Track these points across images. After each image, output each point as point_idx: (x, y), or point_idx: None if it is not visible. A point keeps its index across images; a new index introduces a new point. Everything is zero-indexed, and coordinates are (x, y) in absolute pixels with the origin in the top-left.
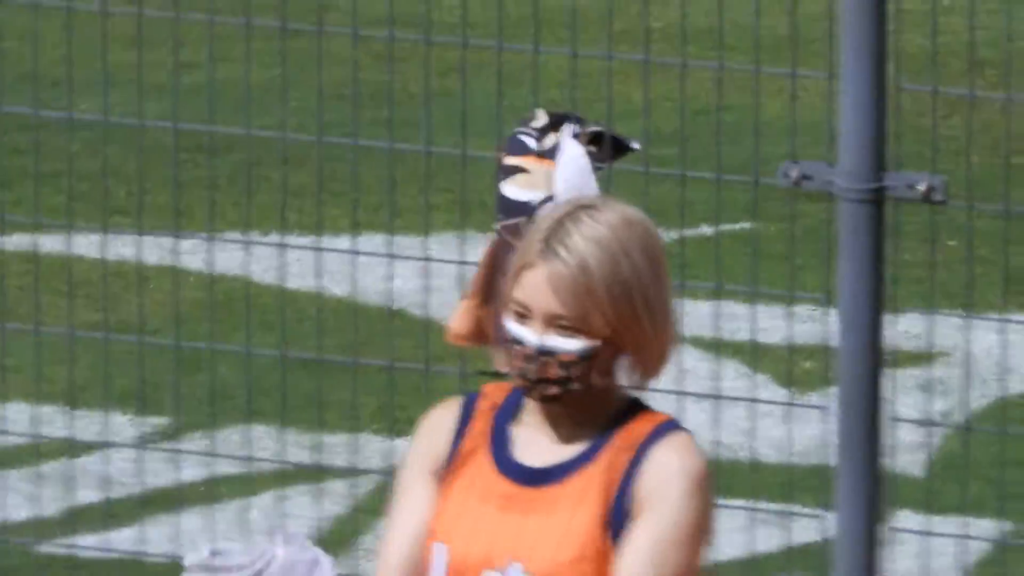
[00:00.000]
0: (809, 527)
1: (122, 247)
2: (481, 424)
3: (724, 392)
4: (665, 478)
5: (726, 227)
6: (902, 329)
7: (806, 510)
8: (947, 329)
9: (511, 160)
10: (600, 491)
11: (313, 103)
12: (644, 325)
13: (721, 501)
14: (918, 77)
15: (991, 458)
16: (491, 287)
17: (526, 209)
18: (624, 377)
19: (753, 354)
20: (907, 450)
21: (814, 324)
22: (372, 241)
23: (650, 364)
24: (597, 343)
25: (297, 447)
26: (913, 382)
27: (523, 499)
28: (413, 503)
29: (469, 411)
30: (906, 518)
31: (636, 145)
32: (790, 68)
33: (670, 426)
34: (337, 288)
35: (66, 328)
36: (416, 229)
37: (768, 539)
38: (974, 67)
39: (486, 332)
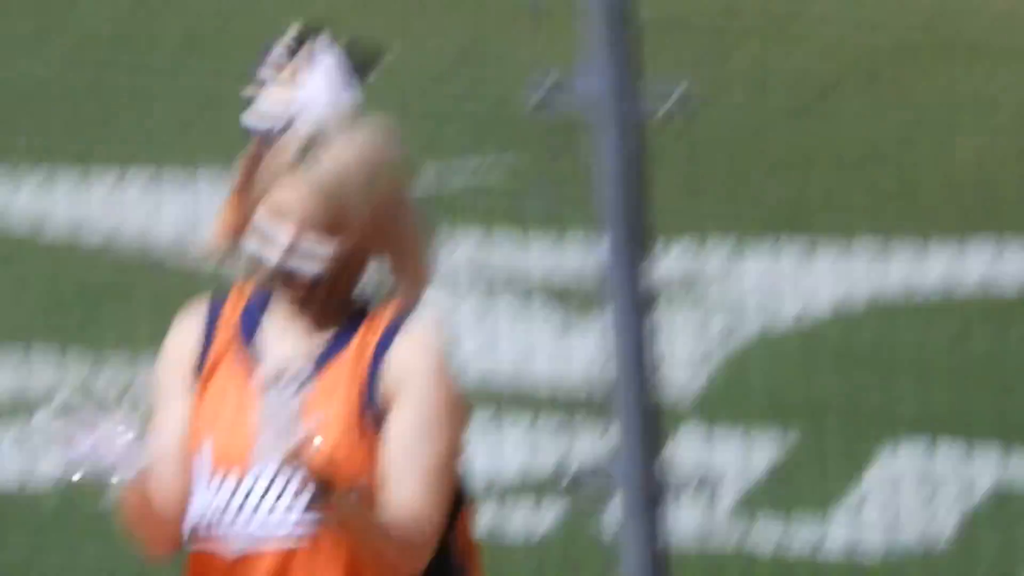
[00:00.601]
0: (589, 446)
1: None
2: (229, 322)
3: (499, 323)
4: (412, 362)
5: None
6: (677, 260)
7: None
8: (718, 258)
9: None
10: (352, 380)
11: None
12: (398, 230)
13: (503, 418)
14: None
15: (770, 377)
16: (252, 185)
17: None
18: (389, 284)
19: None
20: (688, 369)
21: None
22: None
23: (407, 271)
24: (348, 246)
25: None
26: (689, 309)
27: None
28: (171, 405)
29: (218, 307)
30: (688, 431)
31: (388, 53)
32: None
33: (412, 312)
34: None
35: None
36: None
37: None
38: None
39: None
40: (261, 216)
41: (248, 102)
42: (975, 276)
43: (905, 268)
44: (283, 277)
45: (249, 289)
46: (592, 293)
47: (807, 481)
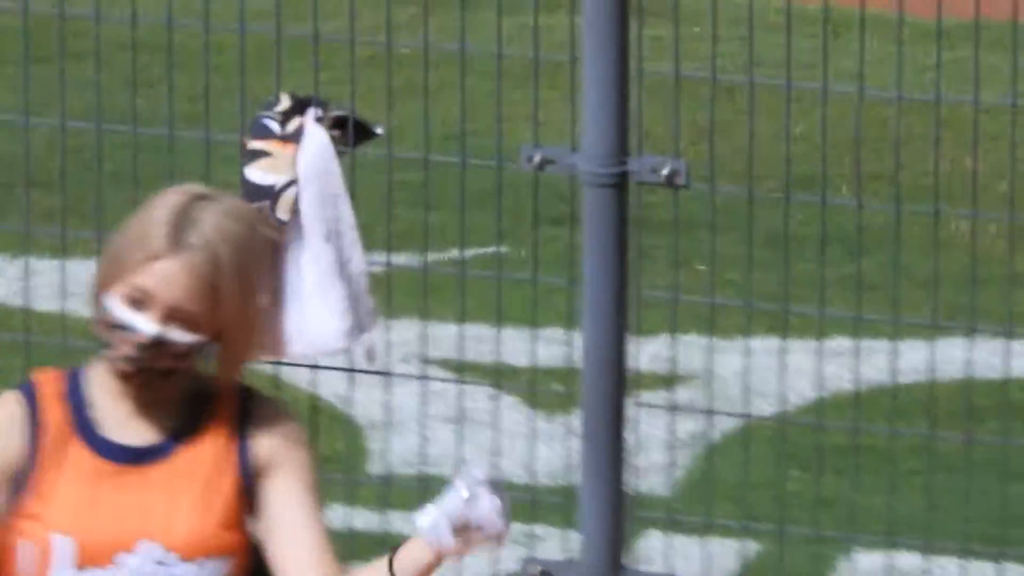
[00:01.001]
0: (554, 547)
1: None
2: (55, 412)
3: (470, 414)
4: (282, 434)
5: (475, 252)
6: (651, 351)
7: (551, 529)
8: (694, 352)
9: (254, 144)
10: (221, 460)
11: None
12: (253, 318)
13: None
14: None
15: (736, 479)
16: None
17: (269, 193)
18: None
19: (498, 376)
20: (654, 471)
21: (560, 347)
22: None
23: (246, 353)
24: (209, 335)
25: None
26: (660, 403)
27: (134, 478)
28: None
29: (33, 403)
30: (652, 537)
31: (379, 130)
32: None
33: (250, 388)
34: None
35: None
36: None
37: (514, 559)
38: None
39: None
40: (116, 300)
41: (246, 158)
42: (952, 370)
43: (882, 362)
44: (139, 367)
45: (54, 380)
46: (566, 390)
47: None
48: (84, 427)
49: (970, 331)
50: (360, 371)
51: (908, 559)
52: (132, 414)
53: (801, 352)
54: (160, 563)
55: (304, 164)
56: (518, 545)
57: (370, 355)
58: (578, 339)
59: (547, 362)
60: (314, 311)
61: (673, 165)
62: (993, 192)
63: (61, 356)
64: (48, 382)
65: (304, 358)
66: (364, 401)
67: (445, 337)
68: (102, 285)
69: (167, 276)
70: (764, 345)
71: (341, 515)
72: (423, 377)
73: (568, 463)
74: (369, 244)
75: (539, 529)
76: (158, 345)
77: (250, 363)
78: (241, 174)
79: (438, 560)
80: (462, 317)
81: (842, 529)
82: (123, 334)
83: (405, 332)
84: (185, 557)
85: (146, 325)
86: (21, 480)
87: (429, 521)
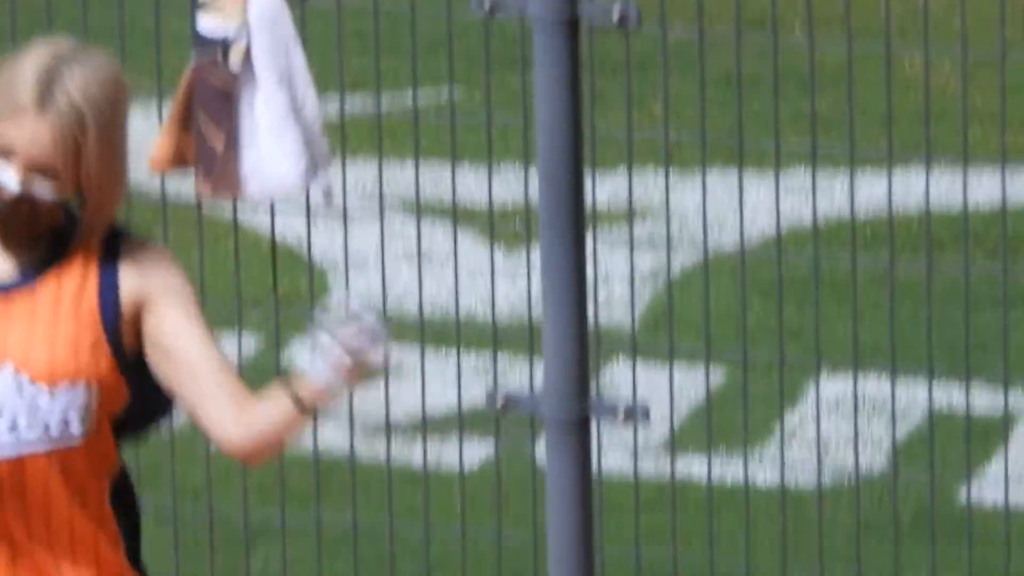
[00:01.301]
0: (520, 380)
1: None
2: None
3: (432, 253)
4: (154, 267)
5: (429, 96)
6: (609, 188)
7: (516, 363)
8: (652, 189)
9: None
10: (80, 289)
11: None
12: (116, 174)
13: (434, 354)
14: None
15: (699, 312)
16: (188, 116)
17: (221, 44)
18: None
19: (457, 214)
20: (618, 305)
21: (518, 184)
22: None
23: (110, 209)
24: (70, 189)
25: None
26: (622, 239)
27: None
28: None
29: None
30: (618, 369)
31: None
32: None
33: (119, 229)
34: None
35: None
36: None
37: (480, 393)
38: None
39: (186, 158)
40: None
41: (198, 9)
42: (912, 202)
43: (840, 195)
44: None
45: None
46: (526, 225)
47: (737, 414)
48: None
49: (926, 163)
50: (319, 214)
51: (874, 384)
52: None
53: (759, 187)
54: (17, 386)
55: (254, 13)
56: (481, 374)
57: (327, 196)
58: (535, 176)
59: (504, 199)
60: (270, 154)
61: (623, 8)
62: (946, 28)
63: None
64: None
65: (262, 200)
66: (324, 243)
67: (402, 178)
68: None
69: (32, 133)
70: (722, 180)
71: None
72: (382, 217)
73: (529, 299)
74: (323, 89)
75: (503, 363)
76: (21, 200)
77: (111, 218)
78: (192, 26)
79: (326, 397)
80: (416, 156)
81: (807, 358)
82: None
83: (362, 173)
84: (37, 380)
85: (10, 180)
86: None
87: (307, 362)
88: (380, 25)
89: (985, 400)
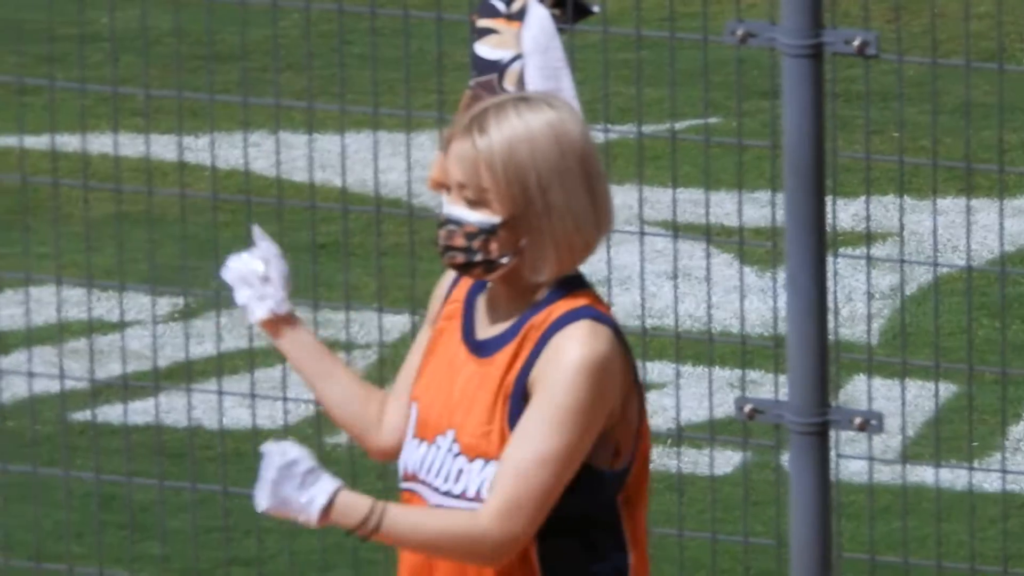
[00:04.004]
0: (766, 391)
1: (136, 146)
2: (460, 291)
3: (688, 271)
4: (555, 363)
5: (687, 123)
6: (851, 212)
7: (763, 374)
8: (890, 212)
9: (483, 22)
10: (506, 369)
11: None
12: (540, 213)
13: (682, 368)
14: None
15: (931, 327)
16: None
17: (497, 67)
18: (531, 263)
19: (711, 235)
20: (857, 320)
21: (767, 207)
22: (359, 136)
23: (553, 253)
24: (496, 219)
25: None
26: (861, 259)
27: (470, 369)
28: (415, 349)
29: (459, 277)
30: (856, 380)
31: (596, 8)
32: None
33: (581, 312)
34: (332, 179)
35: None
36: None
37: (729, 402)
38: None
39: None
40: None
41: (475, 34)
42: None
43: None
44: (441, 244)
45: None
46: (772, 247)
47: (965, 425)
48: (468, 310)
49: None
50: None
51: None
52: (491, 309)
53: (986, 210)
54: (453, 454)
55: (528, 40)
56: (733, 388)
57: None
58: (782, 200)
59: (756, 221)
60: None
61: (864, 37)
62: None
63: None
64: None
65: None
66: (591, 259)
67: (662, 200)
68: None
69: (452, 156)
70: (953, 204)
71: None
72: (642, 233)
73: (777, 314)
74: (590, 118)
75: (752, 374)
76: (451, 223)
77: (555, 267)
78: (471, 50)
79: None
80: (675, 181)
81: None
82: (438, 218)
83: (626, 196)
84: (464, 452)
85: (443, 204)
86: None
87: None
88: (643, 57)
89: None
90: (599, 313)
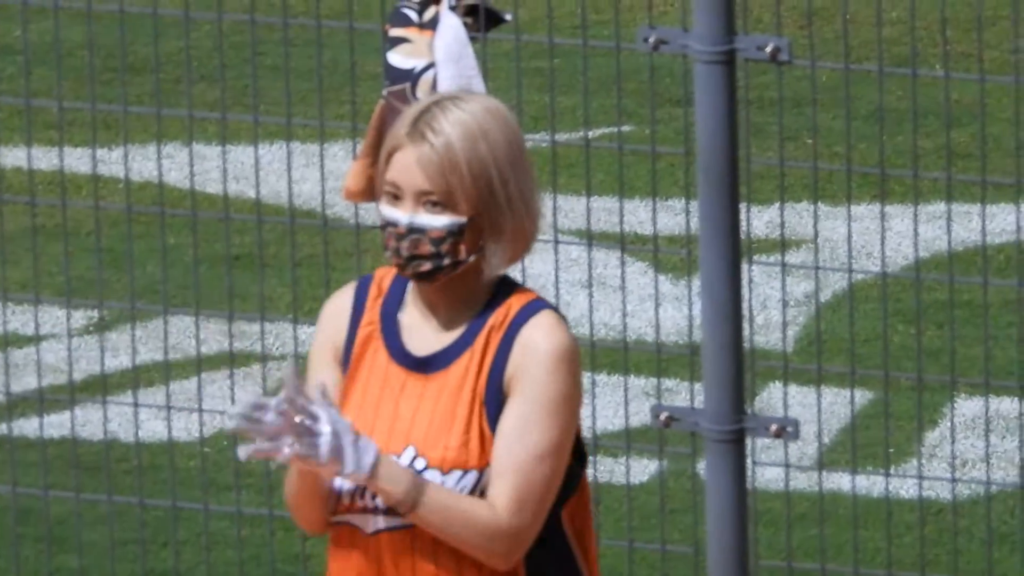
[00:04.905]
0: (682, 399)
1: (49, 159)
2: (372, 312)
3: (603, 279)
4: (531, 357)
5: (600, 131)
6: (765, 219)
7: (679, 382)
8: (804, 218)
9: (395, 32)
10: (473, 377)
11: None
12: (502, 206)
13: (597, 377)
14: None
15: (846, 334)
16: (380, 147)
17: (409, 76)
18: (490, 259)
19: (626, 243)
20: (772, 328)
21: (682, 215)
22: (273, 147)
23: (510, 246)
24: (463, 219)
25: (214, 335)
26: (775, 266)
27: (415, 386)
28: (320, 376)
29: (362, 298)
30: (771, 388)
31: (508, 16)
32: None
33: (537, 305)
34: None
35: None
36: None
37: (644, 410)
38: None
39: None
40: (381, 201)
41: (387, 44)
42: None
43: (975, 225)
44: (404, 256)
45: (388, 280)
46: (687, 255)
47: (879, 436)
48: (388, 329)
49: None
50: None
51: (1007, 403)
52: (429, 321)
53: (900, 216)
54: (416, 470)
55: (440, 48)
56: (649, 397)
57: None
58: (696, 207)
59: (669, 229)
60: None
61: (776, 43)
62: None
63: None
64: (381, 278)
65: None
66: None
67: (576, 209)
68: (378, 189)
69: (405, 165)
70: (867, 211)
71: None
72: (557, 242)
73: (693, 322)
74: None
75: (668, 382)
76: (416, 231)
77: (519, 255)
78: (384, 60)
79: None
80: (588, 189)
81: (945, 378)
82: (390, 229)
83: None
84: (432, 467)
85: (400, 215)
86: (340, 369)
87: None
88: (556, 65)
89: None
90: (551, 304)
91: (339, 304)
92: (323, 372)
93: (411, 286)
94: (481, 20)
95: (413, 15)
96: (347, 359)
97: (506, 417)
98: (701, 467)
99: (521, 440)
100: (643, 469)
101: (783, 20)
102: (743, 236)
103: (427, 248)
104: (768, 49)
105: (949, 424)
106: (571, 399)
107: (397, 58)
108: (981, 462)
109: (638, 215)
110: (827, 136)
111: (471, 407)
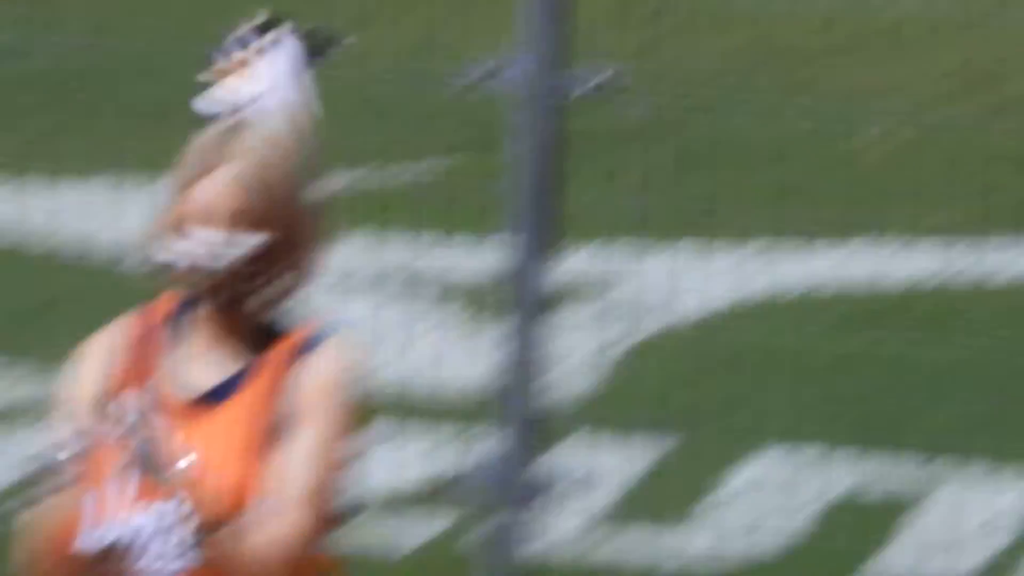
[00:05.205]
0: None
1: None
2: (153, 344)
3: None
4: (317, 386)
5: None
6: (582, 260)
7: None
8: (622, 258)
9: (218, 67)
10: (257, 412)
11: None
12: (301, 225)
13: (403, 425)
14: None
15: (659, 379)
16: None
17: (234, 107)
18: (282, 287)
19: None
20: (580, 373)
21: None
22: None
23: (305, 266)
24: (265, 242)
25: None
26: (588, 311)
27: (193, 419)
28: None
29: (134, 332)
30: (576, 434)
31: (348, 41)
32: None
33: (325, 332)
34: None
35: None
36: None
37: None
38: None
39: None
40: (173, 237)
41: (203, 88)
42: (861, 275)
43: (796, 267)
44: (194, 278)
45: (163, 312)
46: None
47: (677, 487)
48: (170, 360)
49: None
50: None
51: (811, 451)
52: (208, 353)
53: (707, 263)
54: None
55: (268, 76)
56: (436, 452)
57: None
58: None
59: (465, 279)
60: None
61: (602, 77)
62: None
63: None
64: (162, 307)
65: None
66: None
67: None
68: (171, 224)
69: (217, 188)
70: (664, 257)
71: None
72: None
73: (485, 378)
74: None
75: (459, 436)
76: (207, 253)
77: (305, 283)
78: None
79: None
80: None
81: (750, 424)
82: (180, 247)
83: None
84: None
85: (195, 235)
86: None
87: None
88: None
89: (907, 471)
90: (339, 329)
91: (104, 342)
92: (84, 409)
93: (194, 315)
94: (320, 42)
95: (252, 39)
96: (118, 391)
97: (289, 446)
98: (491, 523)
99: (307, 472)
100: (427, 530)
101: (615, 51)
102: (546, 288)
103: (227, 279)
104: (592, 84)
105: (742, 480)
106: (350, 429)
107: (205, 103)
108: (777, 514)
109: (440, 256)
110: (627, 178)
111: (260, 441)
